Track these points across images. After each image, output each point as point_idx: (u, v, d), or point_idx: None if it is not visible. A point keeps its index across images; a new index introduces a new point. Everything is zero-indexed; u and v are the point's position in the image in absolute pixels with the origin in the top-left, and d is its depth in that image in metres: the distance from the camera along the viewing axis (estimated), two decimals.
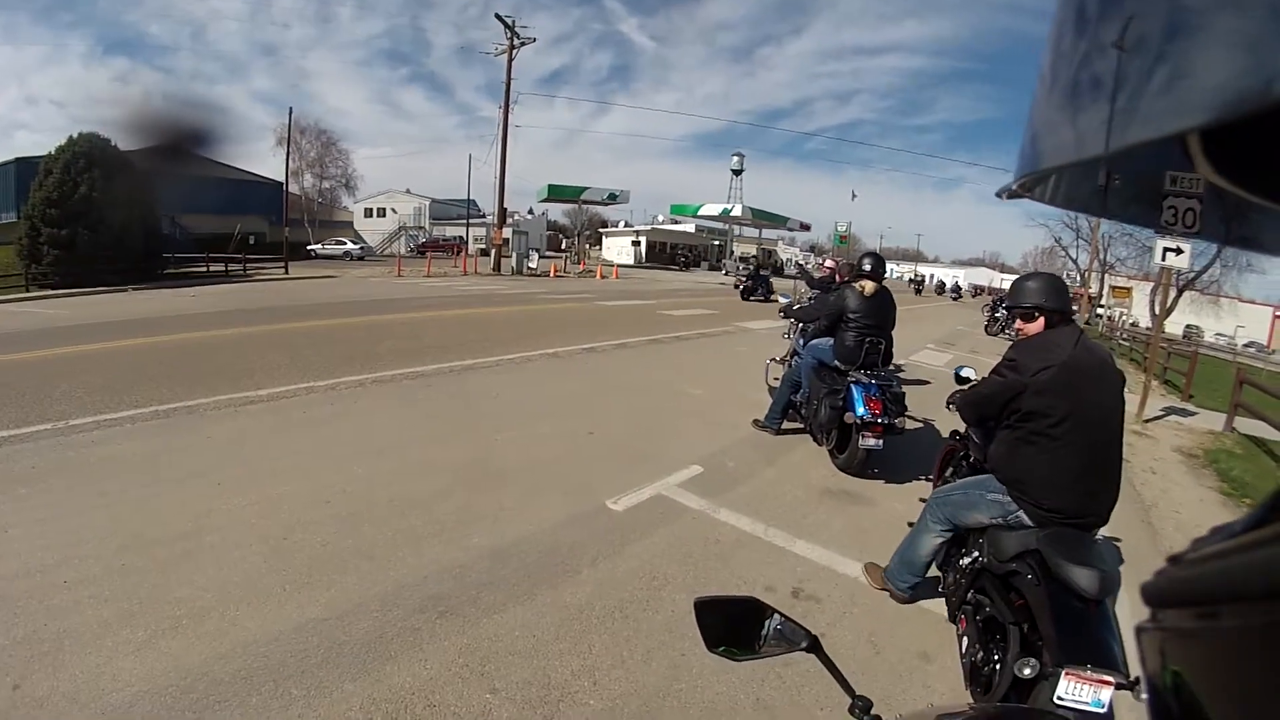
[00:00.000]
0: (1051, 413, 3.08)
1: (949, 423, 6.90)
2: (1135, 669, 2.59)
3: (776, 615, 1.37)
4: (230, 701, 2.71)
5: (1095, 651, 2.54)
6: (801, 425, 7.19)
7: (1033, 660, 2.62)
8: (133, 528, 4.12)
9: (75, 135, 23.23)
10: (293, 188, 45.89)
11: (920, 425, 7.96)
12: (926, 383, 11.17)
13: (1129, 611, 4.21)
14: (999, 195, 0.81)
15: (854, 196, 78.86)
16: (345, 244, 48.49)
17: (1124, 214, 0.80)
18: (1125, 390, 3.21)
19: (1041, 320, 3.30)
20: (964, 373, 4.52)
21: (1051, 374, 3.09)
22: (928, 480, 6.18)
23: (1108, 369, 3.15)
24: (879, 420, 5.84)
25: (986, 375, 3.55)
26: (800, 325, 8.29)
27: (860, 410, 5.85)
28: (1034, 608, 2.82)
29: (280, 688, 2.81)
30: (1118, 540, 5.02)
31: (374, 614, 3.39)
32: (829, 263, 11.01)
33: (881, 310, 6.42)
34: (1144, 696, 1.93)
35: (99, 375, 7.88)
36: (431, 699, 2.83)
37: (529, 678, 3.03)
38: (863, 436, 5.92)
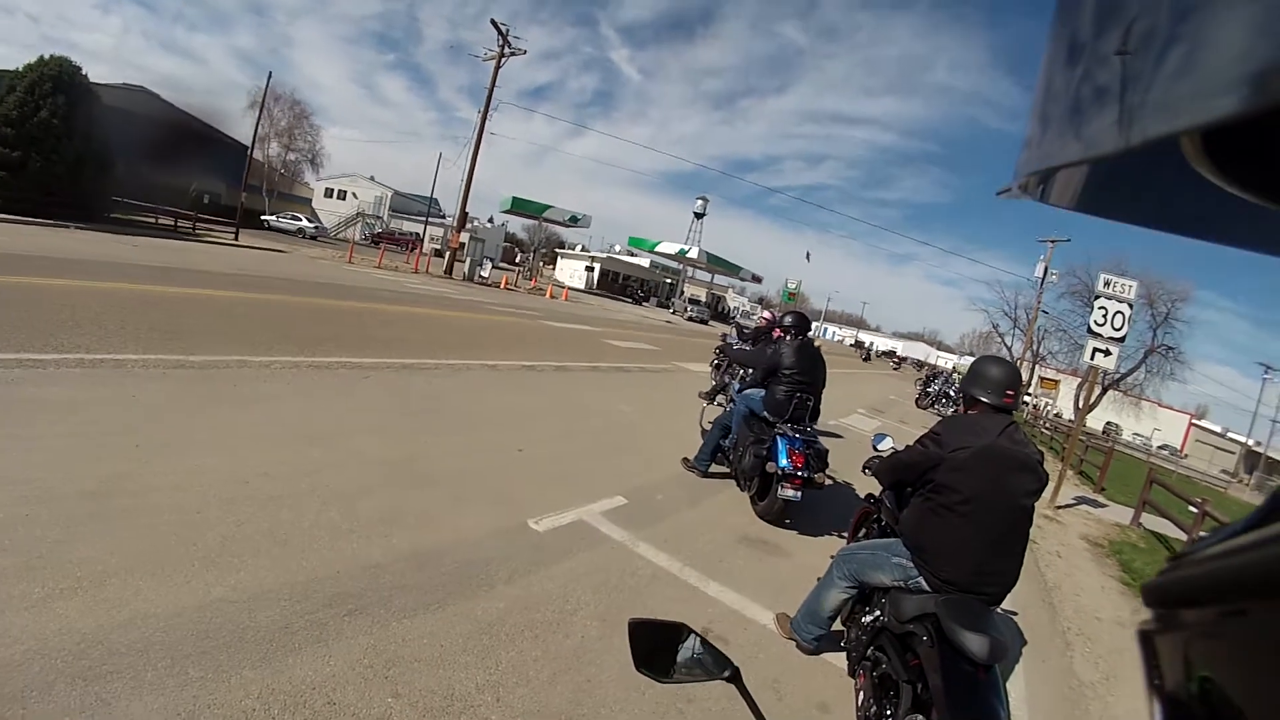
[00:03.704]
0: (959, 489, 3.21)
1: (867, 486, 7.03)
2: None
3: (703, 643, 1.43)
4: (124, 673, 2.64)
5: (980, 713, 2.68)
6: (728, 470, 7.32)
7: (920, 717, 2.75)
8: (42, 477, 3.99)
9: (46, 56, 22.40)
10: (257, 154, 44.85)
11: (839, 484, 8.24)
12: (839, 436, 11.39)
13: (1022, 684, 4.42)
14: (999, 195, 0.83)
15: (808, 258, 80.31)
16: (300, 220, 47.61)
17: (1124, 214, 0.81)
18: (1042, 489, 3.31)
19: (980, 405, 3.45)
20: (881, 445, 4.62)
21: (968, 454, 3.22)
22: (840, 537, 6.34)
23: (1028, 466, 3.23)
24: (799, 473, 6.04)
25: (910, 444, 3.66)
26: (730, 367, 8.46)
27: (783, 461, 6.04)
28: (926, 668, 2.94)
29: (178, 665, 2.75)
30: (1014, 614, 5.22)
31: (282, 603, 3.33)
32: (765, 314, 11.30)
33: (814, 368, 6.66)
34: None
35: (27, 312, 7.61)
36: (332, 696, 2.80)
37: (433, 686, 3.01)
38: (782, 487, 6.11)
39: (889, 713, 3.07)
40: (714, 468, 7.51)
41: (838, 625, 4.07)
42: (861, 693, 3.41)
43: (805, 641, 4.06)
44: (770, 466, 6.16)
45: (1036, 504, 3.32)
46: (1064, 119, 0.56)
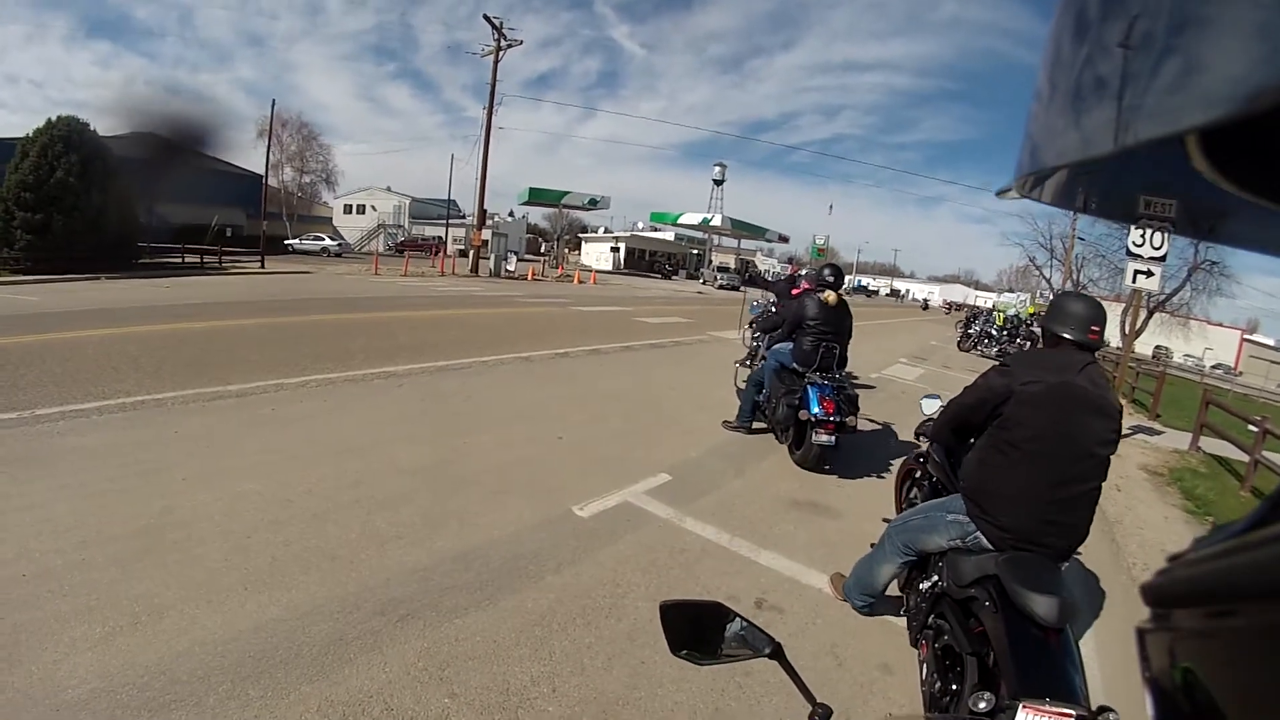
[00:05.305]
0: (1028, 425, 2.98)
1: (904, 428, 6.94)
2: (1097, 699, 2.57)
3: (741, 620, 1.38)
4: (187, 701, 2.70)
5: (1055, 683, 2.46)
6: (769, 429, 7.55)
7: (988, 694, 2.50)
8: (95, 522, 4.08)
9: (54, 118, 22.81)
10: (272, 181, 45.35)
11: (878, 427, 8.76)
12: (872, 387, 11.43)
13: (1092, 633, 4.22)
14: (998, 195, 0.82)
15: (830, 210, 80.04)
16: (323, 240, 48.06)
17: (1124, 214, 0.81)
18: (1117, 440, 3.05)
19: (1062, 342, 3.16)
20: (930, 408, 4.41)
21: (1041, 389, 2.98)
22: (880, 479, 6.64)
23: (1106, 411, 2.98)
24: (831, 418, 6.27)
25: (967, 386, 3.42)
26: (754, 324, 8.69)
27: (814, 409, 6.29)
28: (992, 636, 2.74)
29: (238, 688, 2.80)
30: (1077, 553, 5.06)
31: (334, 616, 3.38)
32: (790, 266, 11.47)
33: (838, 318, 6.87)
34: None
35: (67, 365, 7.77)
36: (390, 703, 2.83)
37: (488, 683, 3.03)
38: (816, 433, 6.36)
39: (955, 687, 2.86)
40: (758, 425, 7.74)
41: (894, 590, 3.90)
42: (925, 665, 3.23)
43: (858, 607, 3.94)
44: (803, 414, 6.45)
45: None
46: (1064, 120, 0.55)
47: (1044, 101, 0.58)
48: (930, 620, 3.27)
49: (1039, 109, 0.59)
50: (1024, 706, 2.34)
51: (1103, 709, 2.35)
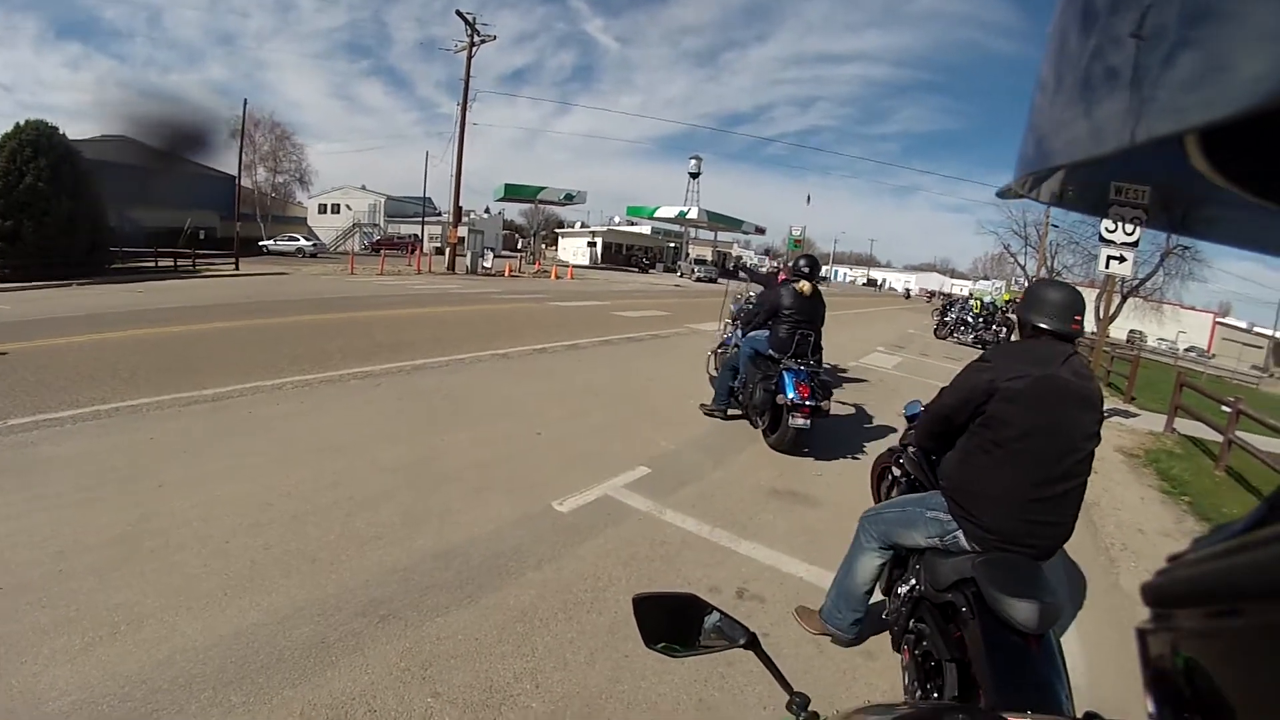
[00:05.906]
0: (1013, 422, 2.82)
1: (879, 414, 6.96)
2: (1082, 707, 2.51)
3: (715, 612, 1.38)
4: (168, 709, 2.69)
5: (1036, 693, 2.35)
6: (741, 412, 7.88)
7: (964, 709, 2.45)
8: (71, 531, 4.04)
9: (22, 123, 22.48)
10: (245, 182, 44.88)
11: (856, 411, 9.06)
12: (865, 380, 11.46)
13: (1075, 633, 4.10)
14: (999, 195, 0.82)
15: (809, 200, 79.79)
16: (298, 240, 47.50)
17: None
18: (1099, 430, 2.92)
19: (1041, 333, 2.97)
20: (913, 413, 4.20)
21: (1025, 384, 2.82)
22: (854, 459, 6.86)
23: (1090, 403, 2.87)
24: (806, 403, 6.49)
25: (944, 387, 3.22)
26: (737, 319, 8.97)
27: (790, 393, 6.52)
28: (970, 644, 2.59)
29: (219, 695, 2.80)
30: None
31: (315, 618, 3.38)
32: (773, 262, 11.73)
33: (813, 307, 7.15)
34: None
35: (40, 373, 7.67)
36: (373, 704, 2.83)
37: (471, 681, 3.04)
38: (792, 417, 6.59)
39: (936, 696, 2.69)
40: (732, 411, 8.02)
41: (878, 596, 3.67)
42: (906, 672, 3.06)
43: (842, 630, 3.59)
44: (780, 399, 6.69)
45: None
46: (1067, 118, 0.55)
47: (1049, 97, 0.58)
48: (910, 625, 3.15)
49: (1043, 104, 0.59)
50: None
51: (1089, 715, 2.28)
